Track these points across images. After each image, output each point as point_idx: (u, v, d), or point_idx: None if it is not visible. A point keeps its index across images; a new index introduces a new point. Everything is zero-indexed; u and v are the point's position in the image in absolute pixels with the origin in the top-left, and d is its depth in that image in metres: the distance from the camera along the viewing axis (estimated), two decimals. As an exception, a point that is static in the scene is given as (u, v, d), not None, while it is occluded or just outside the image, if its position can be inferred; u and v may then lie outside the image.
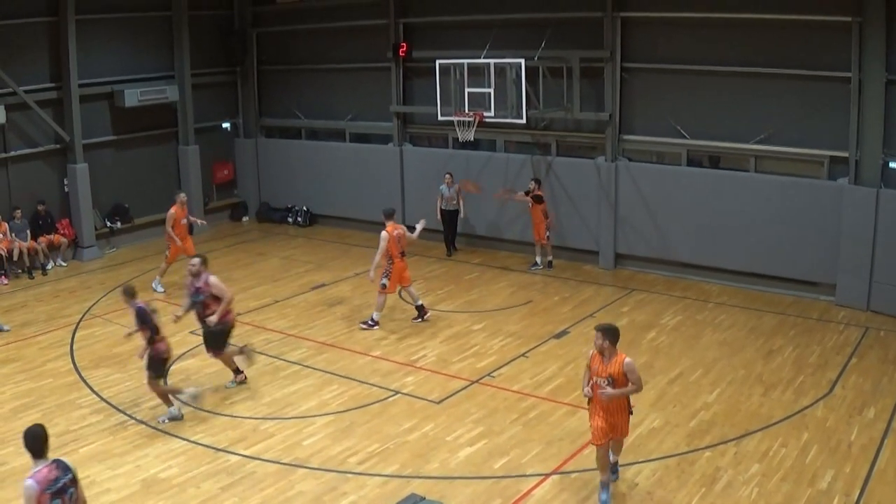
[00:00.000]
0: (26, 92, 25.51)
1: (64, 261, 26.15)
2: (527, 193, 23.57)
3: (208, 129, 30.73)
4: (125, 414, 15.75)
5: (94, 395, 16.66)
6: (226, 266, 25.26)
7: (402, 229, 20.11)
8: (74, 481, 9.21)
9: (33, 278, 24.70)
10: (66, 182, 26.86)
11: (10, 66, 25.10)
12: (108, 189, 27.52)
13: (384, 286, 19.70)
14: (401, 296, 21.20)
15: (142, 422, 15.39)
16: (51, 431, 14.52)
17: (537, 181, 23.64)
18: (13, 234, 24.92)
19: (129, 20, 28.13)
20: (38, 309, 22.10)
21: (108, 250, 27.43)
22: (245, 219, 31.77)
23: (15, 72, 25.21)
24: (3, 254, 24.53)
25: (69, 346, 19.21)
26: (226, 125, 31.68)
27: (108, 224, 27.86)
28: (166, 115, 29.23)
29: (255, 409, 15.85)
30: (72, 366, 18.26)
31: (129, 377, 17.39)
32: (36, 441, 9.25)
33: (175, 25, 29.11)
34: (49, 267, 25.49)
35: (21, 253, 24.83)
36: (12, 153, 25.79)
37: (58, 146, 26.65)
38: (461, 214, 25.37)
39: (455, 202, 25.24)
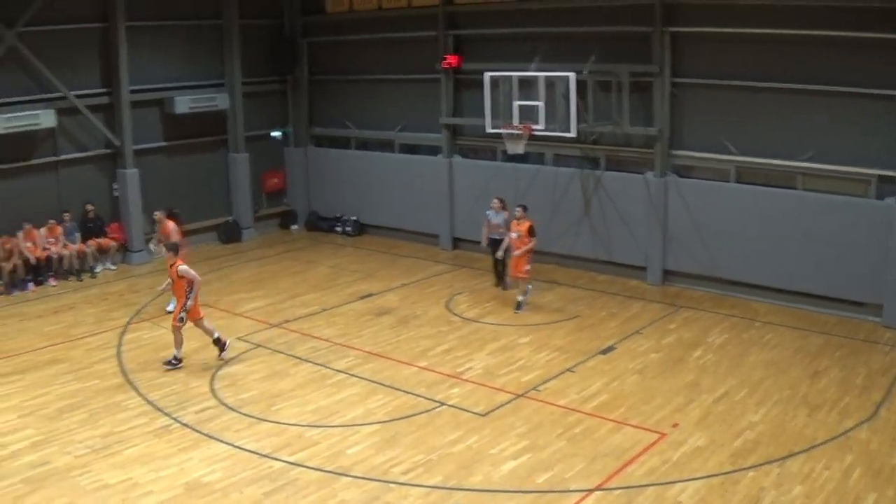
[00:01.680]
0: (77, 97, 25.80)
1: (113, 264, 26.34)
2: (528, 228, 21.55)
3: (258, 138, 30.84)
4: (170, 417, 15.79)
5: (140, 398, 16.72)
6: (275, 274, 25.48)
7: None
8: None
9: (82, 280, 24.89)
10: (115, 186, 27.09)
11: (62, 70, 25.40)
12: (157, 194, 27.50)
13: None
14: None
15: (187, 425, 15.41)
16: (96, 433, 15.06)
17: (524, 207, 21.92)
18: (65, 237, 25.22)
19: (180, 28, 28.37)
20: (87, 311, 22.27)
21: (157, 255, 27.49)
22: (294, 227, 31.82)
23: (66, 76, 25.52)
24: (54, 256, 24.78)
25: (116, 349, 19.30)
26: (276, 134, 31.76)
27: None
28: (216, 122, 29.43)
29: (300, 416, 15.82)
30: (118, 368, 18.35)
31: (174, 381, 17.48)
32: None
33: (226, 34, 29.30)
34: (98, 270, 25.71)
35: (70, 255, 25.11)
36: (63, 157, 26.03)
37: (108, 151, 26.92)
38: (499, 255, 22.72)
39: (502, 231, 22.61)
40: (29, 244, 24.69)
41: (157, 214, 22.87)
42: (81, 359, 18.78)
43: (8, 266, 24.09)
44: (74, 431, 15.33)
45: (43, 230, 25.10)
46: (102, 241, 26.05)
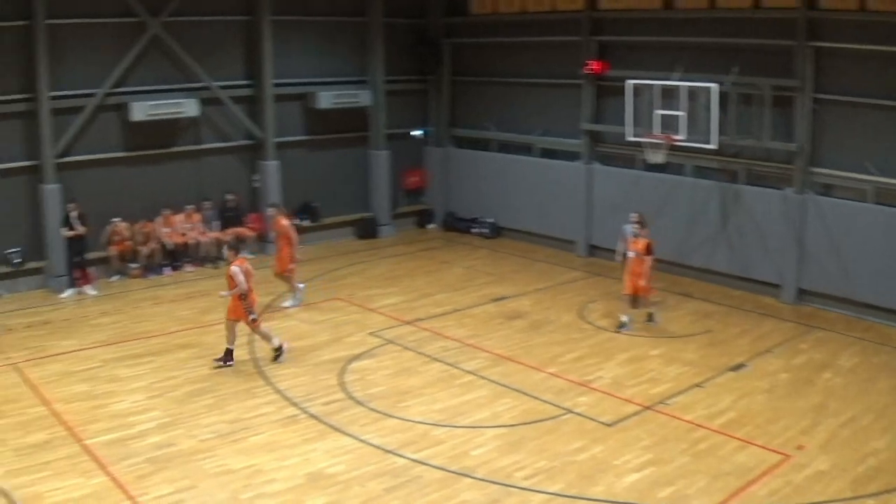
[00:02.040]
0: (221, 87, 26.12)
1: (250, 254, 26.46)
2: (645, 247, 20.57)
3: (399, 136, 30.76)
4: (298, 407, 15.74)
5: (270, 386, 16.75)
6: (409, 271, 25.36)
7: None
8: None
9: (217, 268, 25.07)
10: (255, 178, 27.32)
11: (206, 61, 25.74)
12: (297, 187, 27.80)
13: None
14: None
15: (314, 416, 15.32)
16: (223, 418, 15.03)
17: (640, 223, 21.04)
18: (203, 224, 25.62)
19: (324, 24, 28.50)
20: (221, 299, 22.37)
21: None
22: (431, 226, 31.69)
23: (210, 67, 25.84)
24: (191, 242, 25.14)
25: (248, 337, 19.31)
26: (417, 133, 31.67)
27: (296, 221, 28.13)
28: (358, 119, 29.43)
29: (427, 415, 15.59)
30: (250, 356, 18.42)
31: (304, 371, 17.49)
32: None
33: (370, 32, 29.29)
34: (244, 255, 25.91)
35: (208, 243, 25.49)
36: (205, 146, 26.38)
37: (250, 142, 27.17)
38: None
39: None
40: (167, 230, 25.07)
41: (271, 211, 22.87)
42: (213, 345, 18.78)
43: (145, 250, 24.47)
44: (201, 416, 15.41)
45: (181, 216, 25.42)
46: (240, 230, 26.20)
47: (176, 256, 25.16)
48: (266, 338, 18.10)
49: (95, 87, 24.02)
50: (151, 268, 24.64)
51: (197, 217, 25.70)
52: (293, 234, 21.78)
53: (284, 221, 21.93)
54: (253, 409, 15.72)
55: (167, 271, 24.72)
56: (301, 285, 22.25)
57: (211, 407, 15.78)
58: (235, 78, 26.74)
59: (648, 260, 20.10)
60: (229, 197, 26.30)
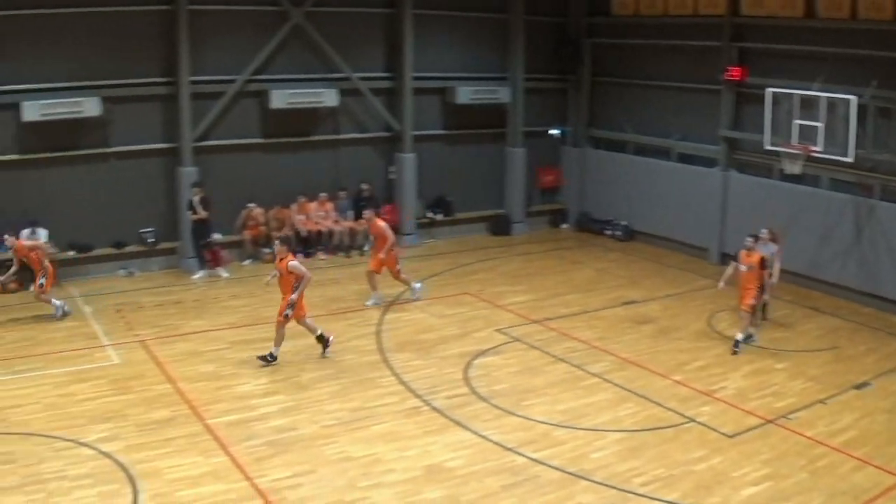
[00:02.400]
0: (360, 79, 26.29)
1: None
2: (759, 261, 19.48)
3: (536, 134, 30.48)
4: (421, 399, 15.71)
5: (394, 377, 16.76)
6: (540, 270, 25.15)
7: None
8: None
9: (349, 257, 25.28)
10: (391, 169, 27.45)
11: (347, 52, 25.92)
12: (432, 181, 27.86)
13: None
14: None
15: (437, 409, 15.26)
16: (346, 406, 15.06)
17: (755, 237, 19.91)
18: (338, 213, 25.79)
19: (465, 19, 28.39)
20: (351, 287, 22.53)
21: (427, 241, 27.75)
22: (564, 226, 31.36)
23: (351, 58, 26.01)
24: (324, 230, 25.33)
25: (376, 327, 19.37)
26: (555, 132, 31.37)
27: (430, 214, 28.21)
28: (496, 115, 29.28)
29: (549, 415, 15.37)
30: (376, 346, 18.46)
31: (429, 364, 17.45)
32: None
33: (511, 28, 29.11)
34: (366, 248, 25.93)
35: (341, 232, 25.63)
36: (343, 136, 26.62)
37: (387, 134, 27.30)
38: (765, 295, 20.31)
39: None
40: (302, 217, 25.35)
41: (368, 213, 22.65)
42: (341, 332, 18.89)
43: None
44: (325, 402, 15.50)
45: (314, 204, 25.66)
46: (373, 220, 26.38)
47: (309, 243, 25.40)
48: (277, 340, 17.50)
49: (235, 74, 24.42)
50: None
51: (330, 205, 25.93)
52: (389, 235, 21.50)
53: (380, 223, 21.72)
54: (376, 398, 15.74)
55: (299, 258, 24.85)
56: (417, 285, 22.11)
57: (335, 394, 15.86)
58: (375, 70, 26.88)
59: (763, 274, 19.41)
60: (364, 187, 26.41)
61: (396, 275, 21.65)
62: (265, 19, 24.73)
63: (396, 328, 19.65)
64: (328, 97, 25.33)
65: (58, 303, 19.98)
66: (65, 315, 19.84)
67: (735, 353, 18.87)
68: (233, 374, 16.73)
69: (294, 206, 25.34)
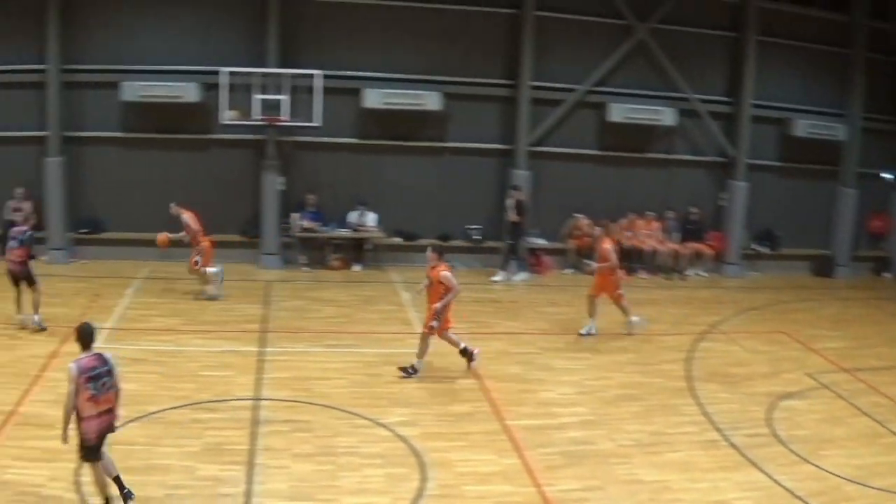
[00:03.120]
0: (700, 101, 26.19)
1: (705, 271, 26.38)
2: None
3: (868, 176, 28.83)
4: (721, 433, 15.39)
5: (697, 407, 16.52)
6: (858, 318, 24.01)
7: None
8: (110, 373, 10.76)
9: (671, 280, 25.18)
10: (722, 196, 27.07)
11: (687, 72, 25.90)
12: (762, 212, 27.29)
13: None
14: None
15: (734, 445, 14.92)
16: (645, 428, 15.07)
17: None
18: (664, 234, 25.86)
19: (807, 50, 27.49)
20: (668, 310, 22.51)
21: (750, 272, 27.22)
22: (885, 275, 29.85)
23: (690, 79, 25.96)
24: (648, 249, 25.39)
25: (687, 353, 19.27)
26: (888, 176, 29.85)
27: (756, 246, 27.71)
28: (831, 152, 28.08)
29: (843, 468, 14.52)
30: (684, 373, 18.29)
31: (734, 399, 17.04)
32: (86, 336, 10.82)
33: (852, 64, 27.90)
34: (689, 273, 25.84)
35: (665, 253, 25.66)
36: (676, 156, 26.61)
37: (721, 159, 26.97)
38: None
39: None
40: (629, 233, 25.57)
41: (598, 230, 22.05)
42: (652, 354, 19.01)
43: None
44: (625, 421, 15.51)
45: (641, 222, 25.83)
46: (700, 245, 26.15)
47: (630, 260, 25.33)
48: (421, 351, 17.09)
49: (575, 83, 24.98)
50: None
51: (656, 225, 25.94)
52: (613, 259, 20.37)
53: (607, 245, 20.69)
54: (676, 425, 15.61)
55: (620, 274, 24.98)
56: (635, 318, 20.89)
57: (636, 415, 15.86)
58: (713, 93, 26.69)
59: None
60: (693, 210, 26.27)
61: (616, 299, 20.60)
62: (610, 32, 25.18)
63: (707, 358, 19.37)
64: (666, 116, 25.40)
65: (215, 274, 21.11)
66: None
67: None
68: (539, 379, 17.10)
69: (623, 221, 25.54)
